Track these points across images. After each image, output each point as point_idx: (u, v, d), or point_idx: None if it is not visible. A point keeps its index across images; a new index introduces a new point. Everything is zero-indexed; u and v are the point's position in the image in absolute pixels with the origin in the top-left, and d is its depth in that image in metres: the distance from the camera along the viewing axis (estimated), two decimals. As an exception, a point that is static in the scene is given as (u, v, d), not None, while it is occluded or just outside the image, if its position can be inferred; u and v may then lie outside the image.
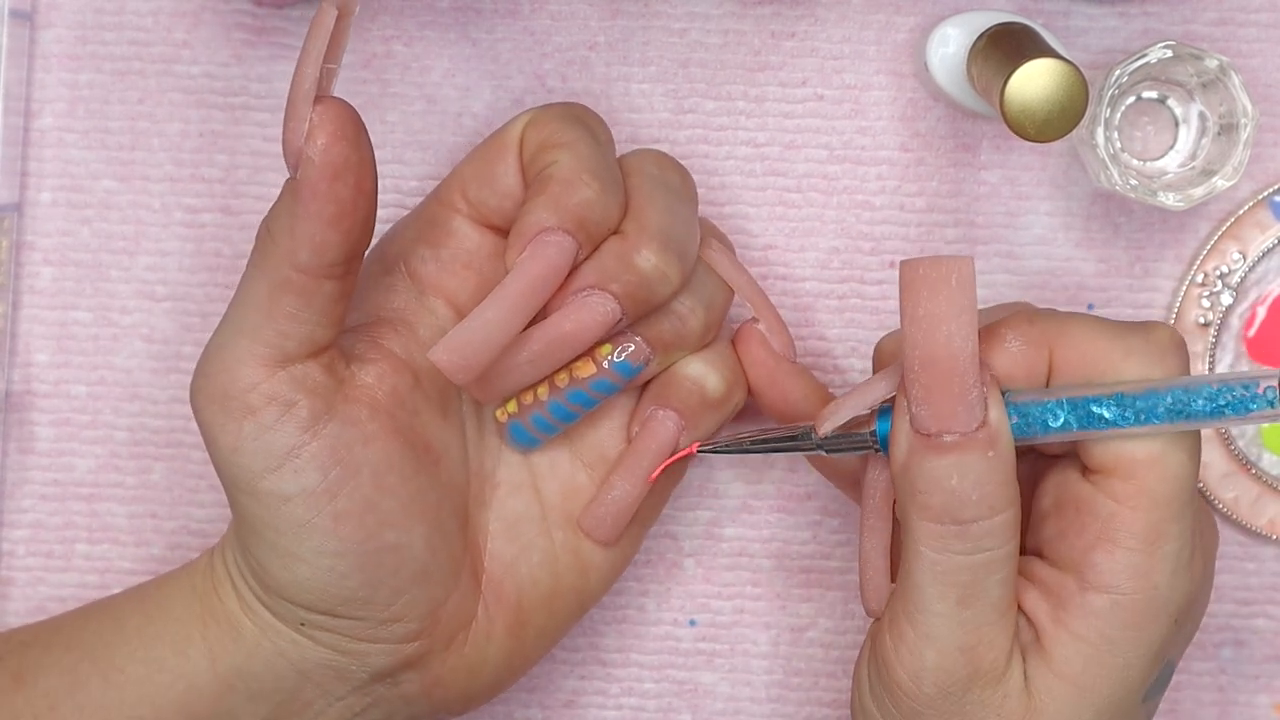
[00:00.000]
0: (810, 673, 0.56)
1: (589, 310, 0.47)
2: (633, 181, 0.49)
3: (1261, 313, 0.55)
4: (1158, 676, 0.46)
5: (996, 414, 0.43)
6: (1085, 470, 0.45)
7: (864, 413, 0.46)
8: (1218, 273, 0.55)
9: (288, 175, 0.44)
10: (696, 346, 0.50)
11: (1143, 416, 0.43)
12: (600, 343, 0.48)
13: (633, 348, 0.49)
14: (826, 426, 0.46)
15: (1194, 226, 0.55)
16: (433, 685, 0.49)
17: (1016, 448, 0.44)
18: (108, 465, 0.56)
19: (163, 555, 0.56)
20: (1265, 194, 0.54)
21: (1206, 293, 0.55)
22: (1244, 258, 0.54)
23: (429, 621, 0.48)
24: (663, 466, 0.49)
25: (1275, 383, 0.42)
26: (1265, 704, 0.56)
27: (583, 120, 0.49)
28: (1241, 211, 0.54)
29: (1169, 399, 0.43)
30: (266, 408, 0.45)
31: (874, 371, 0.49)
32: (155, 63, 0.55)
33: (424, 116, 0.55)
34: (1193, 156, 0.54)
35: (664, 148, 0.54)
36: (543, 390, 0.49)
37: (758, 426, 0.50)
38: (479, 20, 0.55)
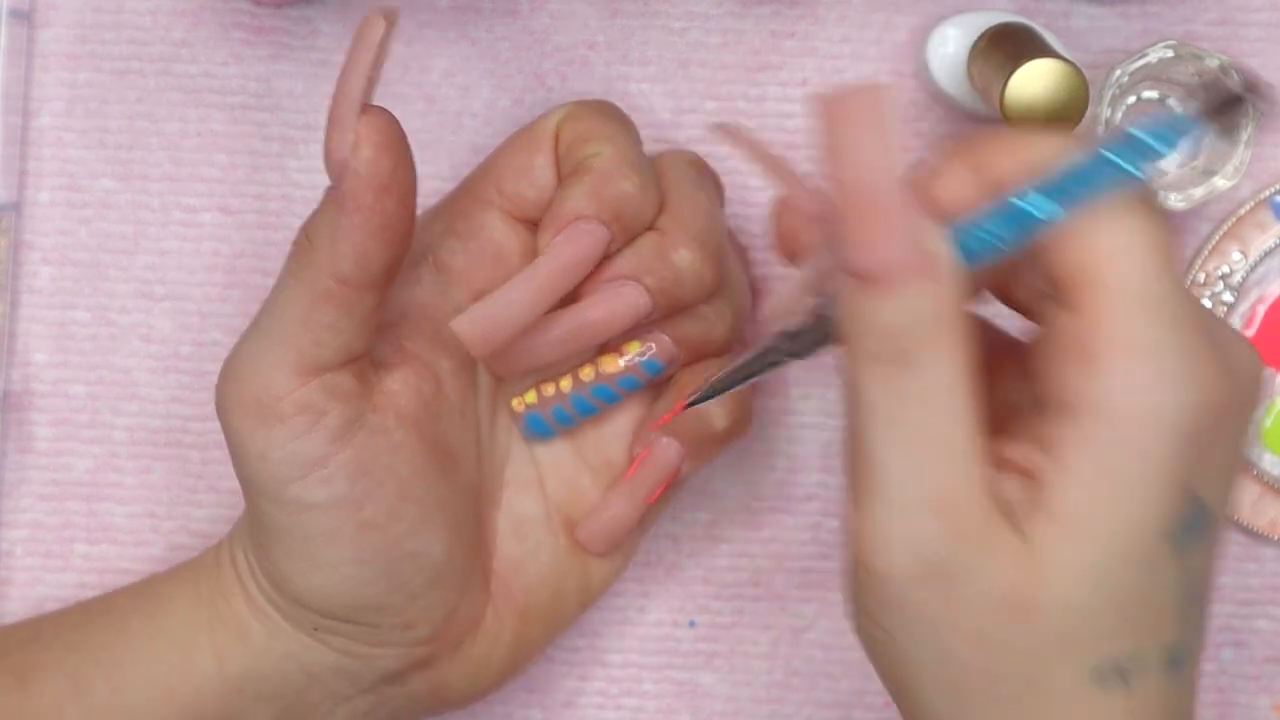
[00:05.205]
0: (810, 673, 0.56)
1: (620, 300, 0.47)
2: (670, 179, 0.48)
3: (1262, 312, 0.55)
4: (1184, 515, 0.39)
5: (934, 243, 0.38)
6: (1061, 298, 0.39)
7: (808, 297, 0.42)
8: (1219, 273, 0.55)
9: (329, 183, 0.44)
10: (720, 352, 0.50)
11: (1070, 196, 0.38)
12: (627, 339, 0.49)
13: (660, 346, 0.49)
14: (777, 319, 0.42)
15: (1194, 226, 0.55)
16: (439, 686, 0.49)
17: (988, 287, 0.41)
18: (106, 465, 0.56)
19: (162, 555, 0.56)
20: (1266, 194, 0.54)
21: (1208, 293, 0.55)
22: (1245, 258, 0.54)
23: (441, 626, 0.48)
24: (661, 489, 0.50)
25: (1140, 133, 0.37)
26: (1265, 705, 0.56)
27: (619, 117, 0.49)
28: (1242, 211, 0.54)
29: (1089, 168, 0.38)
30: (298, 416, 0.45)
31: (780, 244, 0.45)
32: (154, 62, 0.55)
33: (423, 116, 0.55)
34: (1193, 156, 0.54)
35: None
36: (565, 383, 0.49)
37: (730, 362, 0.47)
38: (478, 20, 0.55)
